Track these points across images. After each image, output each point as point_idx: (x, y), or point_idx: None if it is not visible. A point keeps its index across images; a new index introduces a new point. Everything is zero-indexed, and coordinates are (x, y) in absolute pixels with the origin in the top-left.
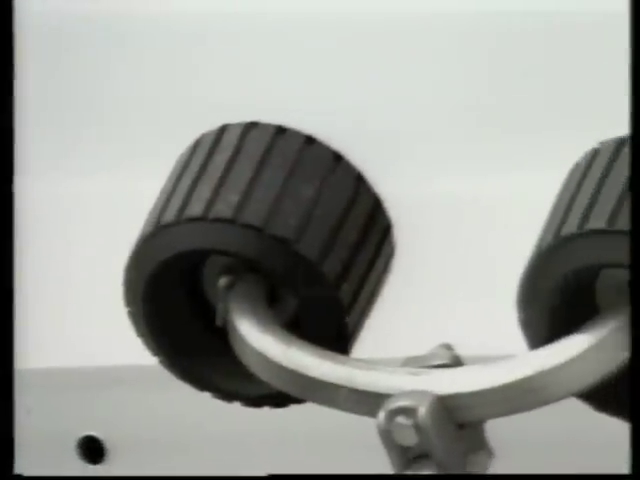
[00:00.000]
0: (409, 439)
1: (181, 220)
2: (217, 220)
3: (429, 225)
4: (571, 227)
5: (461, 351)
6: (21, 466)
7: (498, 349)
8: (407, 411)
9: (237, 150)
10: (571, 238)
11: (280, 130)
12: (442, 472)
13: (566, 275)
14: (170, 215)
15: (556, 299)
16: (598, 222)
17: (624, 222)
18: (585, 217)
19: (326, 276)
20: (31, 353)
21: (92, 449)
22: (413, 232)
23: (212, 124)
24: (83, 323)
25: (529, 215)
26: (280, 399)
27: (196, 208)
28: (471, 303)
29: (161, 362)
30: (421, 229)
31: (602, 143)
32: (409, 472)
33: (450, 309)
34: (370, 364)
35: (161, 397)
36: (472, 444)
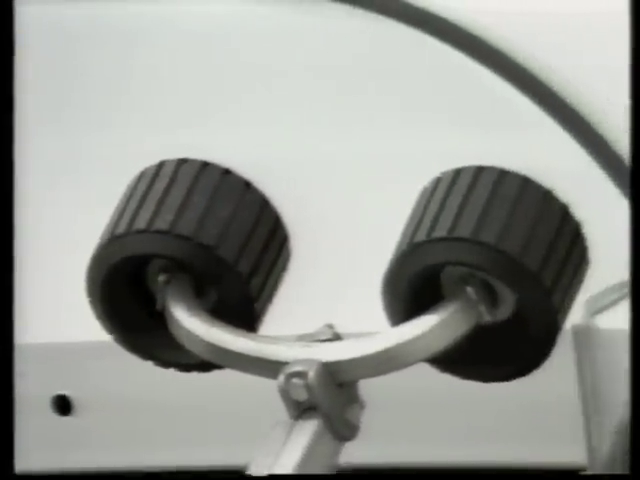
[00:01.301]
0: (301, 395)
1: (130, 232)
2: (157, 232)
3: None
4: (421, 235)
5: (341, 328)
6: None
7: (370, 327)
8: (300, 374)
9: (172, 180)
10: (421, 244)
11: (204, 164)
12: (326, 421)
13: (418, 271)
14: (121, 228)
15: (411, 289)
16: (441, 232)
17: (460, 231)
18: (432, 228)
19: (240, 274)
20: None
21: (62, 405)
22: (306, 236)
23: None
24: (61, 304)
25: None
26: (205, 366)
27: (141, 223)
28: (350, 290)
29: (114, 339)
30: (314, 232)
31: (443, 173)
32: (301, 420)
33: (332, 296)
34: (272, 339)
35: (117, 365)
36: (349, 398)
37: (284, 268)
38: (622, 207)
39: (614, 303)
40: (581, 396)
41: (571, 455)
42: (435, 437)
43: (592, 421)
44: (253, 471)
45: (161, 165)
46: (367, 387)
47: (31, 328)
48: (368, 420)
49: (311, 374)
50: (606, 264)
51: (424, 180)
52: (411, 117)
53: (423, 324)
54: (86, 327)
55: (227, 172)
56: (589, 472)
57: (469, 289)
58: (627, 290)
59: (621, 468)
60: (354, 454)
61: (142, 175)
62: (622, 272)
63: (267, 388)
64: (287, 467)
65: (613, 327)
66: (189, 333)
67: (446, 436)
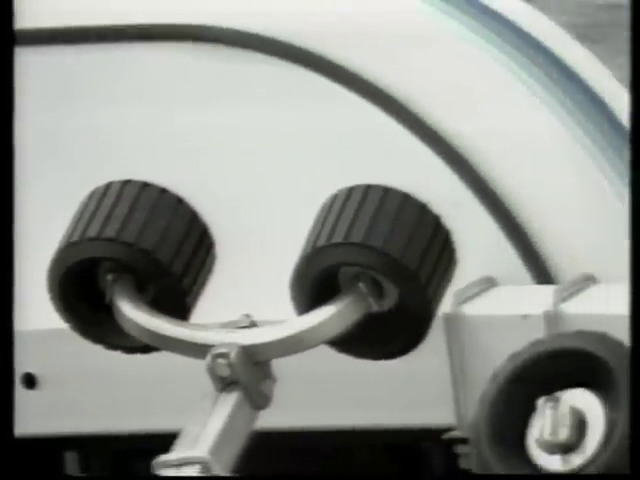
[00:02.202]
0: (225, 372)
1: (83, 239)
2: (105, 239)
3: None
4: (322, 241)
5: (257, 317)
6: None
7: (282, 315)
8: (223, 355)
9: (117, 197)
10: (322, 248)
11: (144, 185)
12: (245, 393)
13: (320, 270)
14: (76, 236)
15: (313, 285)
16: (338, 238)
17: (353, 238)
18: (330, 235)
19: (174, 274)
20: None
21: (29, 381)
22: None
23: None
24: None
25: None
26: (145, 349)
27: (92, 232)
28: (268, 283)
29: (70, 327)
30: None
31: (339, 190)
32: (224, 393)
33: (252, 290)
34: (201, 326)
35: (74, 348)
36: (263, 374)
37: (210, 270)
38: (482, 218)
39: (477, 294)
40: (451, 371)
41: (441, 418)
42: (333, 404)
43: (460, 392)
44: (185, 434)
45: (109, 185)
46: (278, 365)
47: None
48: (279, 391)
49: (232, 355)
50: (471, 264)
51: None
52: None
53: (323, 313)
54: (48, 317)
55: (164, 191)
56: (456, 432)
57: (360, 285)
58: (488, 284)
59: (485, 432)
60: (267, 420)
61: (93, 193)
62: (483, 270)
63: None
64: (214, 430)
65: (477, 314)
66: (132, 322)
67: (342, 404)
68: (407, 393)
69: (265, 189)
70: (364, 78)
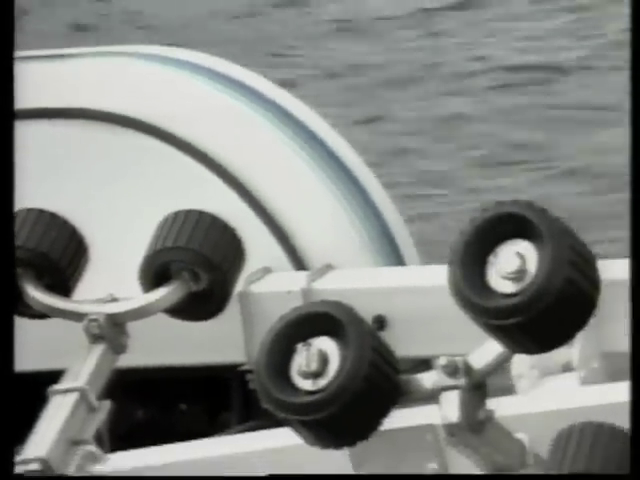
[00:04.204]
0: (95, 331)
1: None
2: (18, 247)
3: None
4: (159, 245)
5: (118, 295)
6: None
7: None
8: (95, 320)
9: (24, 220)
10: (160, 250)
11: (41, 211)
12: (109, 344)
13: (157, 265)
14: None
15: (153, 275)
16: (169, 243)
17: (179, 243)
18: (165, 241)
19: (62, 267)
20: None
21: None
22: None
23: None
24: None
25: None
26: (43, 316)
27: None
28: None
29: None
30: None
31: (169, 214)
32: (94, 345)
33: (114, 278)
34: (80, 301)
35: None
36: (122, 332)
37: (86, 260)
38: (261, 230)
39: (259, 278)
40: (243, 327)
41: (238, 357)
42: (165, 350)
43: (249, 340)
44: (69, 371)
45: (18, 213)
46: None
47: None
48: (132, 342)
49: (101, 320)
50: (254, 259)
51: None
52: None
53: (160, 292)
54: None
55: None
56: (247, 366)
57: (184, 273)
58: (266, 271)
59: (263, 365)
60: (126, 360)
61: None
62: (261, 263)
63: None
64: (88, 369)
65: (259, 291)
66: (34, 300)
67: (171, 350)
68: (215, 341)
69: (123, 214)
70: (182, 138)
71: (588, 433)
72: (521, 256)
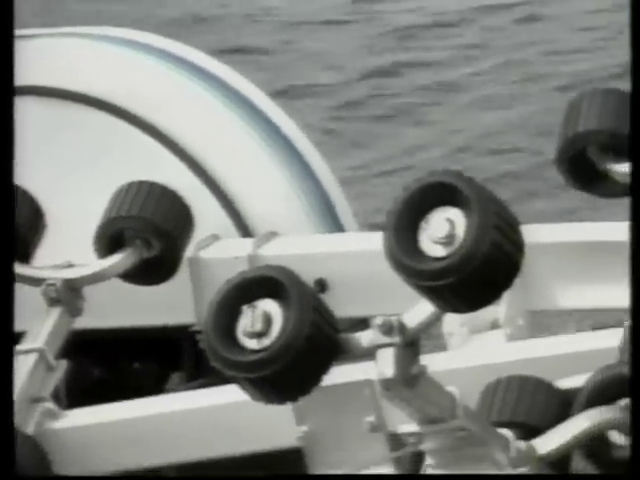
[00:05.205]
0: (53, 295)
1: None
2: None
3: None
4: (113, 213)
5: (75, 261)
6: None
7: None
8: (52, 285)
9: None
10: (114, 218)
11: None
12: (65, 307)
13: (112, 233)
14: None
15: (107, 242)
16: (122, 212)
17: (132, 212)
18: (119, 210)
19: (26, 239)
20: None
21: None
22: None
23: None
24: None
25: None
26: None
27: None
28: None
29: None
30: None
31: (122, 184)
32: (52, 307)
33: (71, 245)
34: (39, 267)
35: None
36: (78, 296)
37: (44, 228)
38: (208, 198)
39: (208, 245)
40: (192, 290)
41: (188, 318)
42: (119, 314)
43: (198, 302)
44: (29, 333)
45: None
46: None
47: None
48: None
49: (58, 284)
50: (202, 228)
51: None
52: None
53: (114, 258)
54: None
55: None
56: (197, 327)
57: (137, 241)
58: (215, 238)
59: (211, 326)
60: (82, 322)
61: None
62: (211, 230)
63: None
64: (46, 330)
65: (208, 257)
66: None
67: (125, 313)
68: (166, 304)
69: (78, 185)
70: (134, 114)
71: (514, 386)
72: (451, 222)
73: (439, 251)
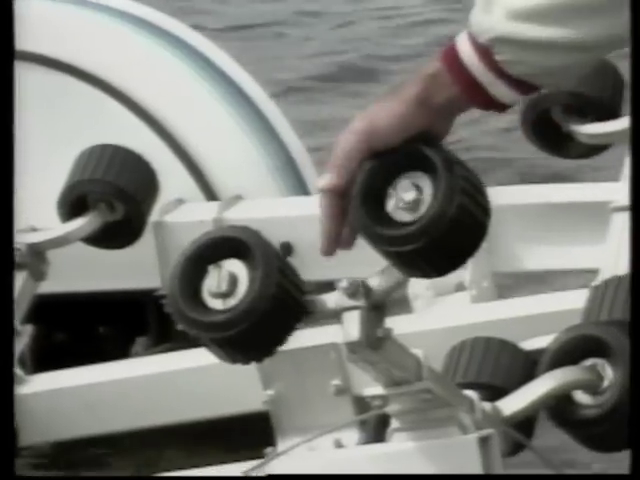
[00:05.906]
0: (18, 260)
1: None
2: None
3: None
4: (77, 177)
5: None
6: None
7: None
8: (17, 249)
9: None
10: (78, 181)
11: None
12: (30, 272)
13: (75, 196)
14: None
15: (71, 206)
16: (85, 175)
17: (97, 175)
18: (83, 173)
19: None
20: None
21: None
22: None
23: None
24: None
25: None
26: None
27: None
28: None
29: None
30: None
31: (92, 146)
32: (18, 272)
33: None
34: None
35: None
36: (42, 261)
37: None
38: (175, 163)
39: (173, 209)
40: (157, 254)
41: (153, 283)
42: (89, 276)
43: (163, 267)
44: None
45: None
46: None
47: None
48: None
49: (22, 249)
50: (167, 191)
51: None
52: None
53: (78, 222)
54: None
55: None
56: (161, 291)
57: (100, 204)
58: (180, 202)
59: (174, 289)
60: (46, 286)
61: None
62: (176, 194)
63: None
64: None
65: (172, 220)
66: None
67: (96, 277)
68: (131, 268)
69: (41, 149)
70: (99, 77)
71: (479, 347)
72: (417, 187)
73: (406, 216)
